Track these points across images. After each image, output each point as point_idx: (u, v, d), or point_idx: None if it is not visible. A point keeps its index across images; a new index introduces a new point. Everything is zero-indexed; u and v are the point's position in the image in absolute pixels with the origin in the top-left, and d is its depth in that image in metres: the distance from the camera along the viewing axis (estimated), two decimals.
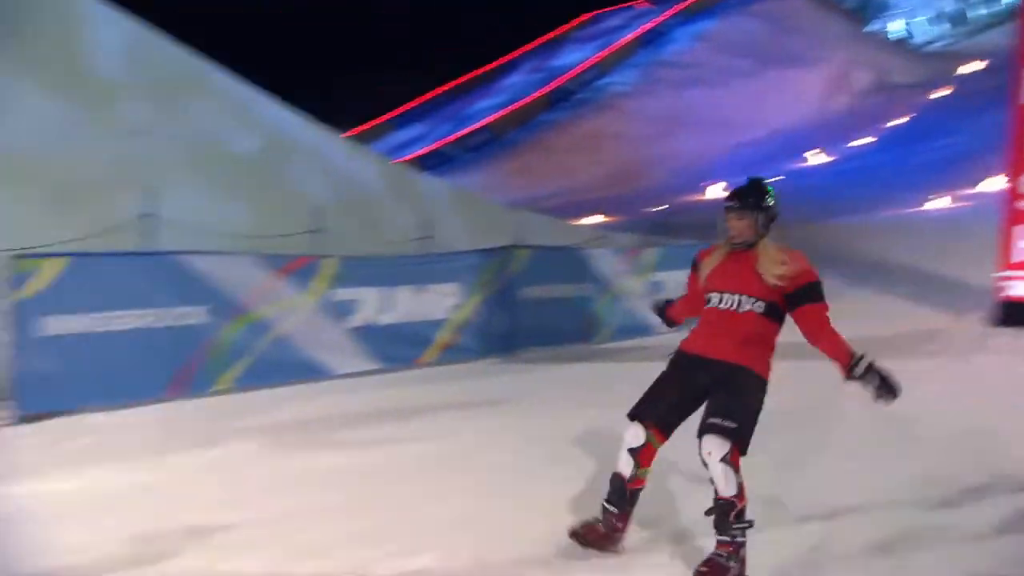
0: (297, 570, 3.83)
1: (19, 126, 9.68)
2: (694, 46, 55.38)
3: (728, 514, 3.40)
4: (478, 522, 4.31)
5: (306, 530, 4.29)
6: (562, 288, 10.77)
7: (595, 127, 46.10)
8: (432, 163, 26.42)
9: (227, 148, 11.75)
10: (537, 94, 46.75)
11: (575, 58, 53.44)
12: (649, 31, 56.07)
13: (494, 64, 51.12)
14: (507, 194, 24.11)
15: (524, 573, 3.69)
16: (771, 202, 3.73)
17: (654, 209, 29.25)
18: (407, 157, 24.97)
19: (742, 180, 3.85)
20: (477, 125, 40.71)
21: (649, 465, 3.68)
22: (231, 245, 8.27)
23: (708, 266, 3.83)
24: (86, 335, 6.71)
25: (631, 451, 3.63)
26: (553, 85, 47.95)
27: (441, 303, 9.34)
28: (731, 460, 3.40)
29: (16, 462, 5.66)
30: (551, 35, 55.85)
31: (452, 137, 32.35)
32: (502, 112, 43.62)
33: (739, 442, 3.43)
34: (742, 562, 3.43)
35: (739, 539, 3.42)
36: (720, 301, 3.69)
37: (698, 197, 31.76)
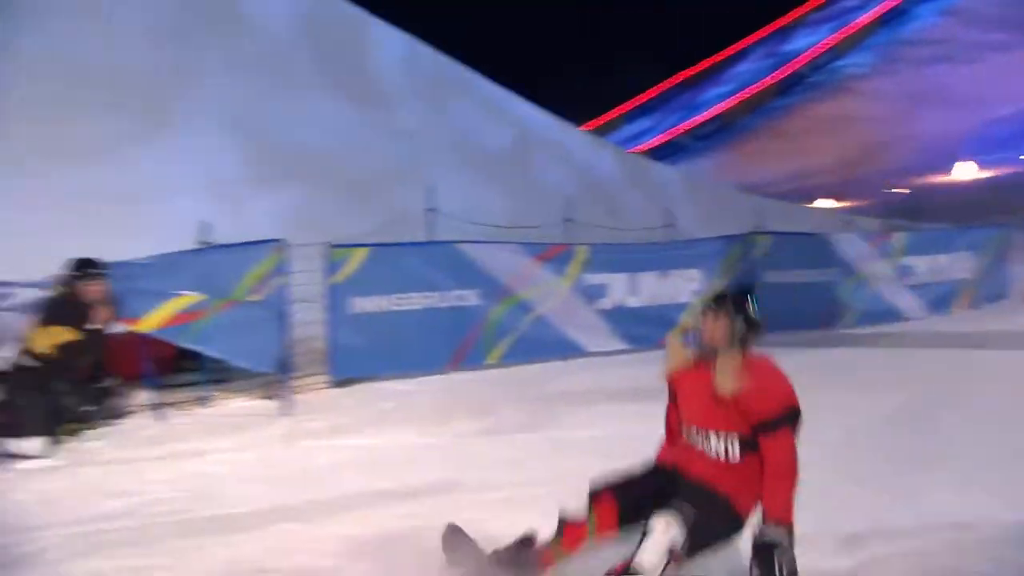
0: None
1: (318, 130, 11.26)
2: (939, 21, 51.47)
3: None
4: None
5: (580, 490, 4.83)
6: (806, 273, 10.80)
7: (830, 110, 44.25)
8: (664, 153, 26.61)
9: (484, 145, 12.85)
10: (769, 80, 45.56)
11: (808, 42, 51.48)
12: (889, 10, 52.78)
13: (724, 53, 50.25)
14: (740, 180, 23.88)
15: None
16: (753, 311, 3.28)
17: (895, 191, 27.71)
18: (640, 147, 25.29)
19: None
20: (708, 114, 40.41)
21: (571, 549, 3.21)
22: (494, 234, 9.15)
23: (681, 384, 3.47)
24: (383, 314, 7.79)
25: (561, 520, 3.23)
26: (785, 70, 46.47)
27: (685, 288, 9.74)
28: (674, 553, 2.95)
29: (336, 420, 6.75)
30: (783, 20, 53.94)
31: (683, 126, 32.25)
32: (733, 100, 42.94)
33: (689, 540, 2.99)
34: None
35: None
36: (693, 436, 3.34)
37: (944, 178, 29.63)
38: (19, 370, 5.97)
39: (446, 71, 13.32)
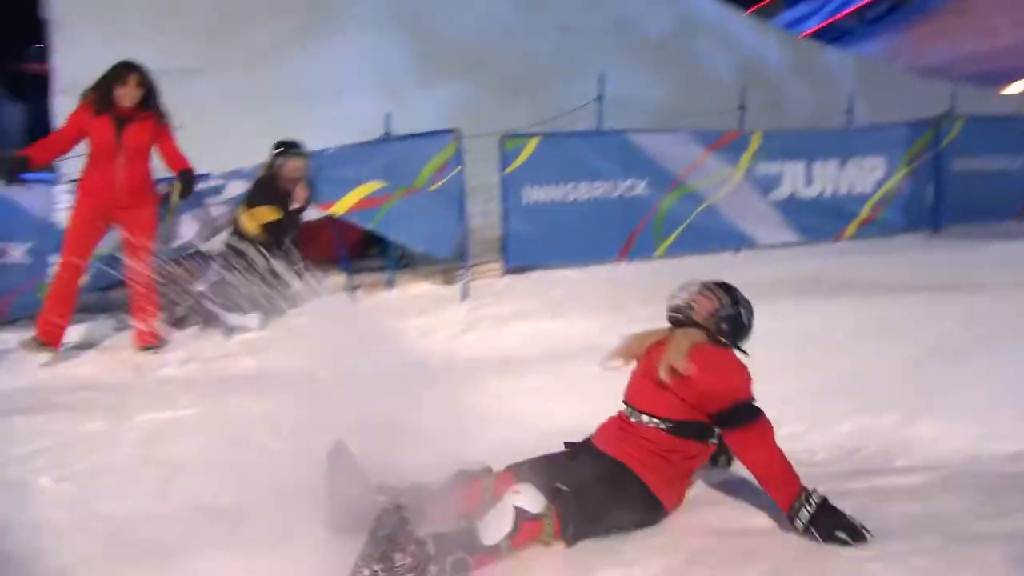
0: None
1: (481, 25, 11.32)
2: None
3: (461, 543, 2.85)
4: (933, 390, 4.34)
5: (767, 380, 4.78)
6: (998, 160, 10.06)
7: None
8: (830, 36, 24.80)
9: (645, 32, 12.51)
10: None
11: None
12: None
13: None
14: (917, 63, 22.10)
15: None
16: (745, 319, 3.34)
17: None
18: (804, 33, 23.70)
19: None
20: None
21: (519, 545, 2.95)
22: (663, 123, 8.98)
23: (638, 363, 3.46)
24: (554, 204, 7.89)
25: (518, 510, 2.92)
26: None
27: (866, 177, 9.30)
28: (523, 526, 2.90)
29: (511, 306, 7.00)
30: None
31: (850, 9, 29.85)
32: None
33: (561, 514, 2.95)
34: None
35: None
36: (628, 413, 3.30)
37: None
38: (231, 250, 6.46)
39: None
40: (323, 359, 5.51)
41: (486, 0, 11.79)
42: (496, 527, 2.89)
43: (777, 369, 4.08)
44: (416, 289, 7.49)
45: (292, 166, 6.63)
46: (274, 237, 6.45)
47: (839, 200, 9.20)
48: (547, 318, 6.62)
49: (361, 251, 7.82)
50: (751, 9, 20.67)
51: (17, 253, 6.33)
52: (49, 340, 5.58)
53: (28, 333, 5.71)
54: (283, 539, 2.90)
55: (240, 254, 6.38)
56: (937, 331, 5.47)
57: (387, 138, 7.50)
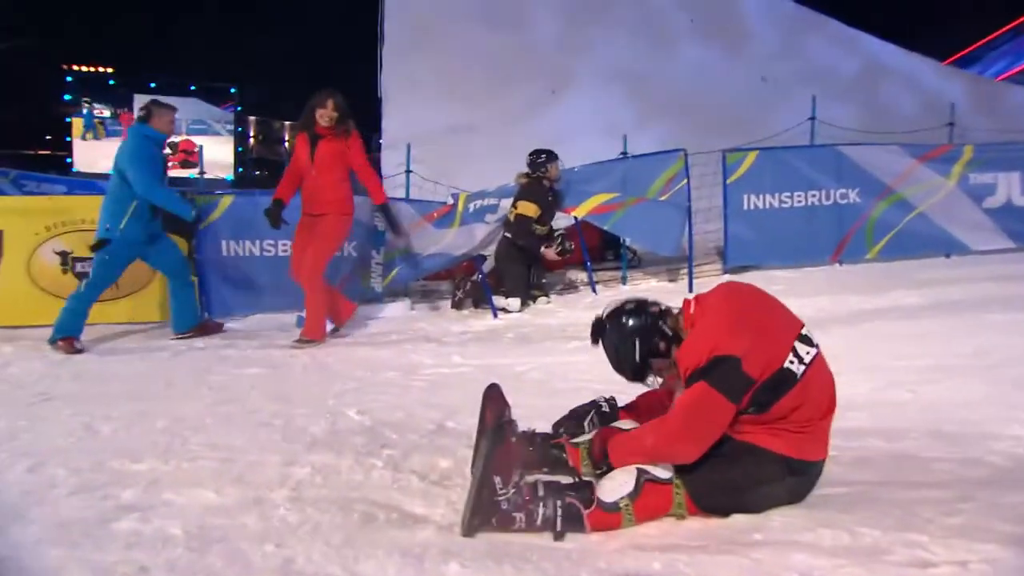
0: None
1: (691, 75, 10.43)
2: None
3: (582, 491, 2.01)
4: None
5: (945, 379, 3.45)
6: None
7: None
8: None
9: (836, 72, 11.02)
10: None
11: None
12: None
13: None
14: None
15: None
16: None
17: None
18: (1000, 76, 20.32)
19: None
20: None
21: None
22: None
23: None
24: (771, 210, 6.72)
25: (640, 471, 2.05)
26: None
27: None
28: (648, 490, 2.00)
29: None
30: None
31: (1001, 77, 25.26)
32: None
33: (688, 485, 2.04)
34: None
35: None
36: None
37: None
38: (503, 242, 6.06)
39: (804, 14, 11.60)
40: (567, 331, 5.02)
41: (694, 53, 10.82)
42: (615, 485, 2.01)
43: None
44: (646, 285, 6.61)
45: (556, 167, 6.13)
46: (526, 229, 5.93)
47: None
48: None
49: (600, 254, 7.16)
50: (952, 58, 17.91)
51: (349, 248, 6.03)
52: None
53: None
54: None
55: (509, 246, 5.96)
56: None
57: (623, 157, 6.72)
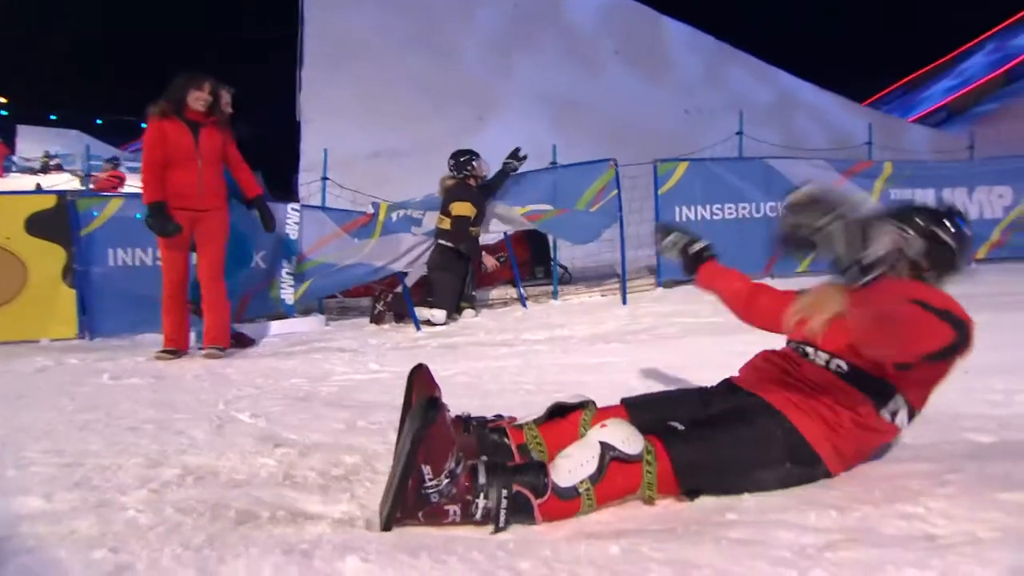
0: None
1: (617, 101, 10.51)
2: None
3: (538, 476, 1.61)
4: None
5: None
6: None
7: None
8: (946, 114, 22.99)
9: (754, 99, 11.41)
10: (996, 73, 37.64)
11: None
12: None
13: (951, 55, 42.37)
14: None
15: None
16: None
17: None
18: (917, 115, 21.91)
19: None
20: (935, 105, 34.39)
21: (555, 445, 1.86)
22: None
23: None
24: (703, 222, 6.65)
25: (604, 447, 1.68)
26: (1013, 63, 38.02)
27: (995, 203, 7.51)
28: (613, 470, 1.63)
29: (669, 307, 5.73)
30: (1012, 19, 44.28)
31: (911, 118, 27.39)
32: (960, 92, 36.28)
33: (673, 459, 1.69)
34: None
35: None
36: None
37: None
38: (438, 249, 5.70)
39: (725, 53, 12.02)
40: (495, 340, 4.69)
41: (620, 80, 10.96)
42: (574, 466, 1.64)
43: None
44: (578, 299, 6.34)
45: (482, 165, 5.88)
46: (463, 227, 5.58)
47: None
48: (706, 314, 5.29)
49: (530, 270, 6.86)
50: (875, 97, 19.27)
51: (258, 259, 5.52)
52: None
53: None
54: None
55: (440, 254, 5.60)
56: None
57: (554, 166, 6.52)
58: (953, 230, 1.95)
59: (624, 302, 5.96)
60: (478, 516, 1.57)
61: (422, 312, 5.40)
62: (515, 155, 6.08)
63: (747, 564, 1.37)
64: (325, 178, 6.87)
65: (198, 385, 3.44)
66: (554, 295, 6.43)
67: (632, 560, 1.40)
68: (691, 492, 1.75)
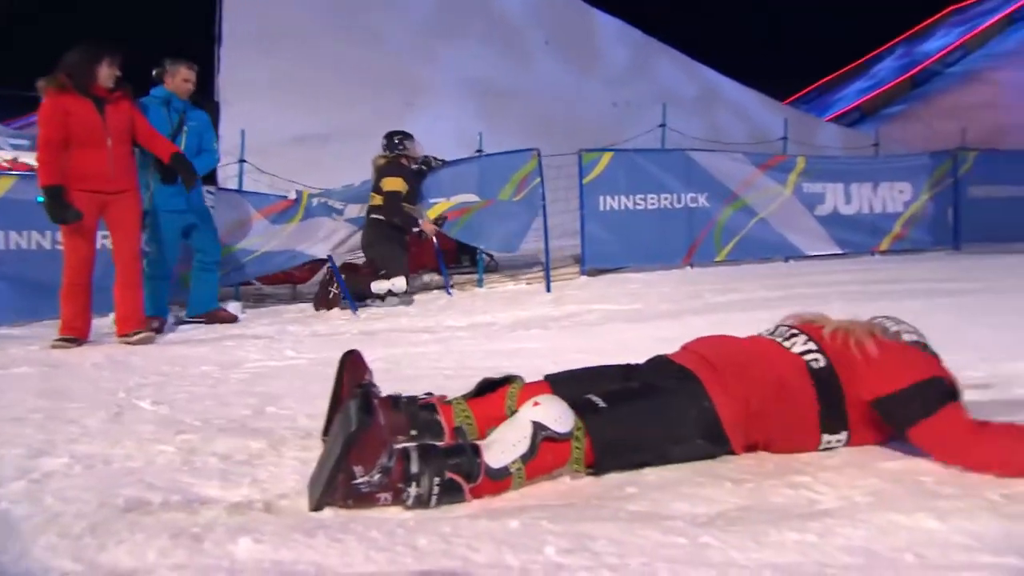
0: None
1: (547, 91, 10.59)
2: None
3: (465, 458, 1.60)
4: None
5: None
6: (1010, 188, 8.69)
7: (961, 98, 38.33)
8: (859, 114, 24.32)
9: (679, 93, 11.75)
10: (903, 77, 40.13)
11: (942, 43, 44.78)
12: (1018, 10, 44.78)
13: (864, 58, 44.79)
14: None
15: None
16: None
17: None
18: (833, 114, 23.05)
19: None
20: (849, 106, 36.43)
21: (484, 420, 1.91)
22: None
23: None
24: (626, 212, 6.81)
25: (536, 427, 1.66)
26: (918, 68, 40.63)
27: (896, 199, 8.00)
28: (545, 449, 1.64)
29: (592, 293, 5.87)
30: (918, 27, 47.22)
31: (828, 117, 28.87)
32: (871, 95, 38.56)
33: (592, 433, 1.70)
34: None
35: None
36: None
37: None
38: (372, 225, 5.64)
39: (654, 48, 12.32)
40: (417, 327, 4.67)
41: (549, 69, 11.08)
42: (507, 447, 1.65)
43: None
44: (503, 287, 6.39)
45: (415, 146, 5.90)
46: (397, 205, 5.55)
47: (873, 218, 7.88)
48: (627, 301, 5.43)
49: (456, 258, 6.86)
50: (794, 96, 20.20)
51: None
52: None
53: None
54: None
55: (376, 227, 5.51)
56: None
57: (479, 155, 6.53)
58: None
59: (548, 290, 6.04)
60: (410, 503, 1.56)
61: (382, 285, 5.33)
62: (427, 163, 6.04)
63: (641, 534, 1.42)
64: (243, 161, 6.64)
65: (98, 374, 3.27)
66: (479, 283, 6.46)
67: (530, 534, 1.42)
68: (598, 467, 1.79)
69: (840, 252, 7.64)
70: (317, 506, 1.53)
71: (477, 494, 1.61)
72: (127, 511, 1.53)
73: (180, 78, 4.73)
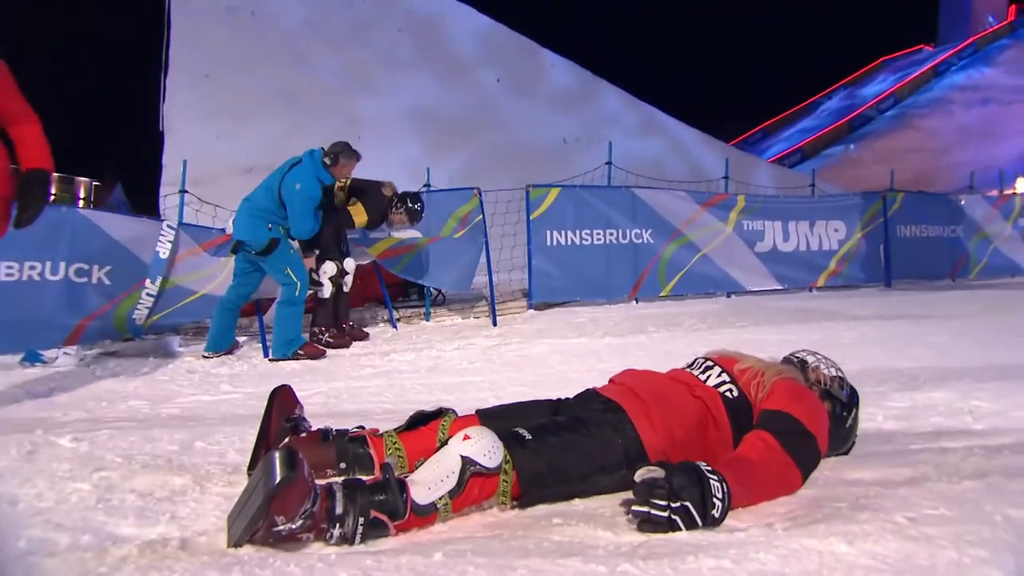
0: None
1: (492, 119, 10.79)
2: (986, 71, 46.69)
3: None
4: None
5: None
6: (934, 229, 9.20)
7: (893, 142, 40.65)
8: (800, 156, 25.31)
9: (622, 130, 12.19)
10: (842, 121, 42.39)
11: (878, 88, 47.60)
12: (943, 62, 48.11)
13: (807, 101, 47.20)
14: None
15: None
16: (849, 413, 2.14)
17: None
18: (775, 157, 23.97)
19: None
20: (792, 147, 38.16)
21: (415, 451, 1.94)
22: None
23: None
24: (573, 247, 6.93)
25: (465, 461, 1.68)
26: (857, 112, 43.03)
27: (831, 236, 8.36)
28: (473, 484, 1.66)
29: (538, 329, 5.91)
30: (857, 74, 50.18)
31: (773, 158, 30.18)
32: (812, 137, 40.56)
33: (518, 466, 1.72)
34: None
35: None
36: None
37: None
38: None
39: (588, 82, 12.73)
40: (361, 361, 4.62)
41: (497, 101, 11.33)
42: (434, 482, 1.65)
43: None
44: (450, 321, 6.38)
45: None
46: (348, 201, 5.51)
47: (810, 255, 8.20)
48: (573, 335, 5.50)
49: (403, 291, 6.84)
50: (738, 139, 20.93)
51: (100, 274, 5.08)
52: None
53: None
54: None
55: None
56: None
57: (427, 189, 6.58)
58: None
59: (494, 323, 6.07)
60: (333, 542, 1.54)
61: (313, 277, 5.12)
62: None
63: (561, 563, 1.43)
64: (184, 191, 6.53)
65: (14, 411, 3.14)
66: (426, 316, 6.44)
67: (452, 566, 1.42)
68: (524, 499, 1.80)
69: (780, 287, 7.91)
70: (236, 543, 1.50)
71: (403, 528, 1.60)
72: (29, 553, 1.47)
73: (347, 171, 4.87)
